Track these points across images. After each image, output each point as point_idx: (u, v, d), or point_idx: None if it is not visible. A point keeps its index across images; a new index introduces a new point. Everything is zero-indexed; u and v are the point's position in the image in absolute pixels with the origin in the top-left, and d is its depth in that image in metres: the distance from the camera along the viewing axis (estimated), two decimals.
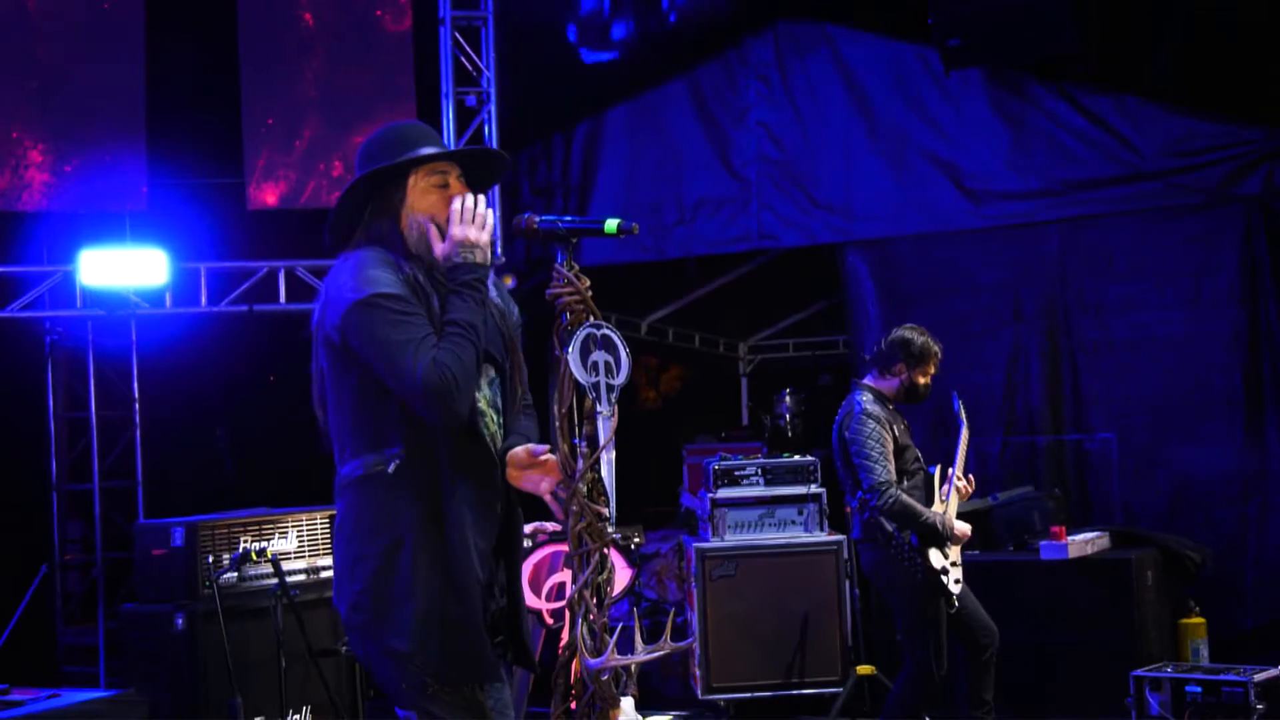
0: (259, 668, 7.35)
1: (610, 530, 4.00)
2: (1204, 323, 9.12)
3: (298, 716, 7.54)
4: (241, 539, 7.66)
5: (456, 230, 4.02)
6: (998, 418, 8.53)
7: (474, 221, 4.04)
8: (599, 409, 3.99)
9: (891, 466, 7.04)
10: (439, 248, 4.05)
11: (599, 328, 4.01)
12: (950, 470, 7.21)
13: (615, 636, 3.92)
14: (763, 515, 8.86)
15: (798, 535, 8.84)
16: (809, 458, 8.99)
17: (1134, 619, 8.06)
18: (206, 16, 10.47)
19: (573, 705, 4.02)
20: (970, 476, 7.30)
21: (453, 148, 10.17)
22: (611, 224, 4.07)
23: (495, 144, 10.20)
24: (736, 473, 8.88)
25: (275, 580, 7.39)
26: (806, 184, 10.17)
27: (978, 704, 7.20)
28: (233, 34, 10.27)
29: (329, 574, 8.06)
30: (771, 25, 10.27)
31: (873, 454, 7.03)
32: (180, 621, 7.25)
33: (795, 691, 8.66)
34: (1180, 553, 8.53)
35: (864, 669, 8.45)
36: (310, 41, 10.36)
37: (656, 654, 4.00)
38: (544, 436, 4.22)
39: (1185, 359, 9.16)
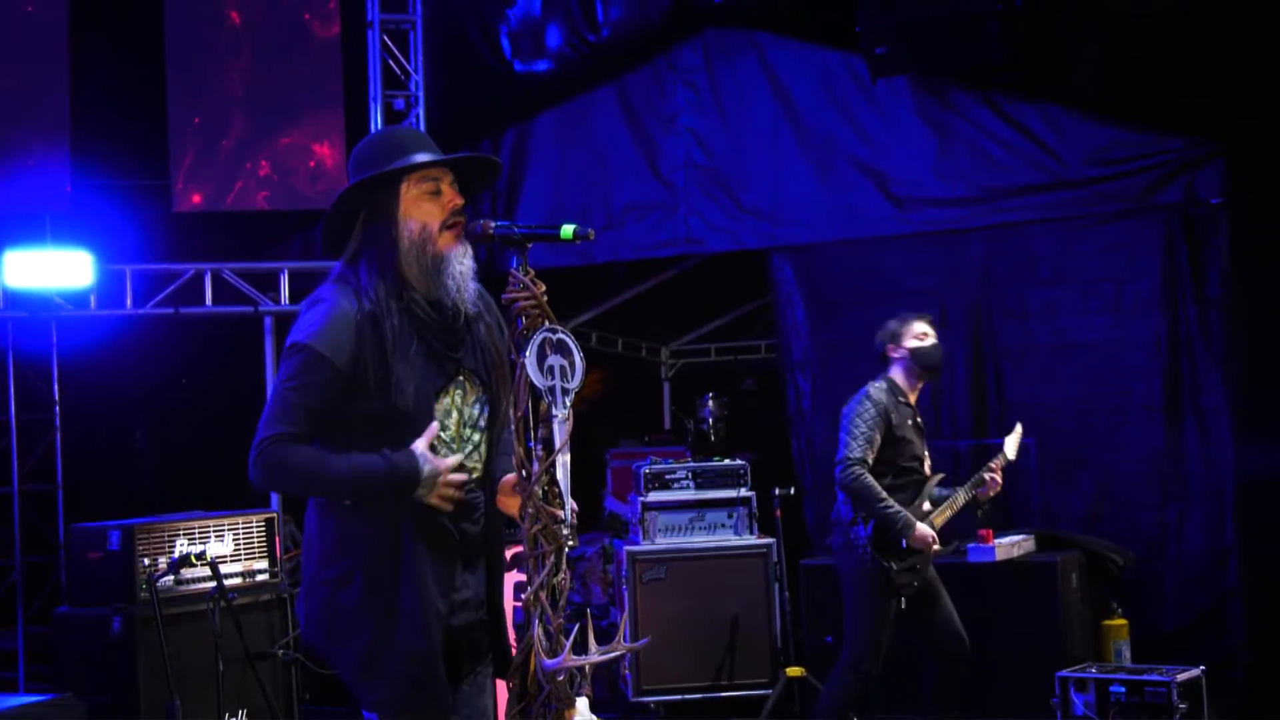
0: (195, 671, 7.32)
1: (566, 533, 4.04)
2: (1125, 329, 9.22)
3: None
4: (178, 542, 7.62)
5: (437, 490, 4.03)
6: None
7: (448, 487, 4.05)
8: (554, 412, 4.03)
9: (870, 449, 7.11)
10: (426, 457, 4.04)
11: (554, 332, 4.05)
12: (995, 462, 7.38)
13: (571, 637, 3.97)
14: (693, 519, 8.92)
15: (727, 538, 8.90)
16: (739, 461, 9.06)
17: (1059, 620, 8.19)
18: (131, 16, 10.40)
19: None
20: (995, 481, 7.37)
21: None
22: (568, 229, 4.11)
23: None
24: (667, 476, 8.93)
25: (211, 584, 7.35)
26: (734, 189, 10.19)
27: (943, 711, 7.28)
28: (158, 34, 10.21)
29: (265, 577, 8.06)
30: (699, 32, 10.29)
31: (855, 430, 7.14)
32: (117, 625, 7.21)
33: (725, 693, 8.72)
34: (1104, 555, 8.66)
35: (793, 671, 8.54)
36: (237, 40, 10.32)
37: (612, 655, 4.05)
38: None
39: (1107, 364, 9.26)
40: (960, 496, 7.32)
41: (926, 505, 7.26)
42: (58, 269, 9.88)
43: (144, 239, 10.54)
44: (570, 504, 4.02)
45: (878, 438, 7.15)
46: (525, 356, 3.98)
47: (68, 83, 10.03)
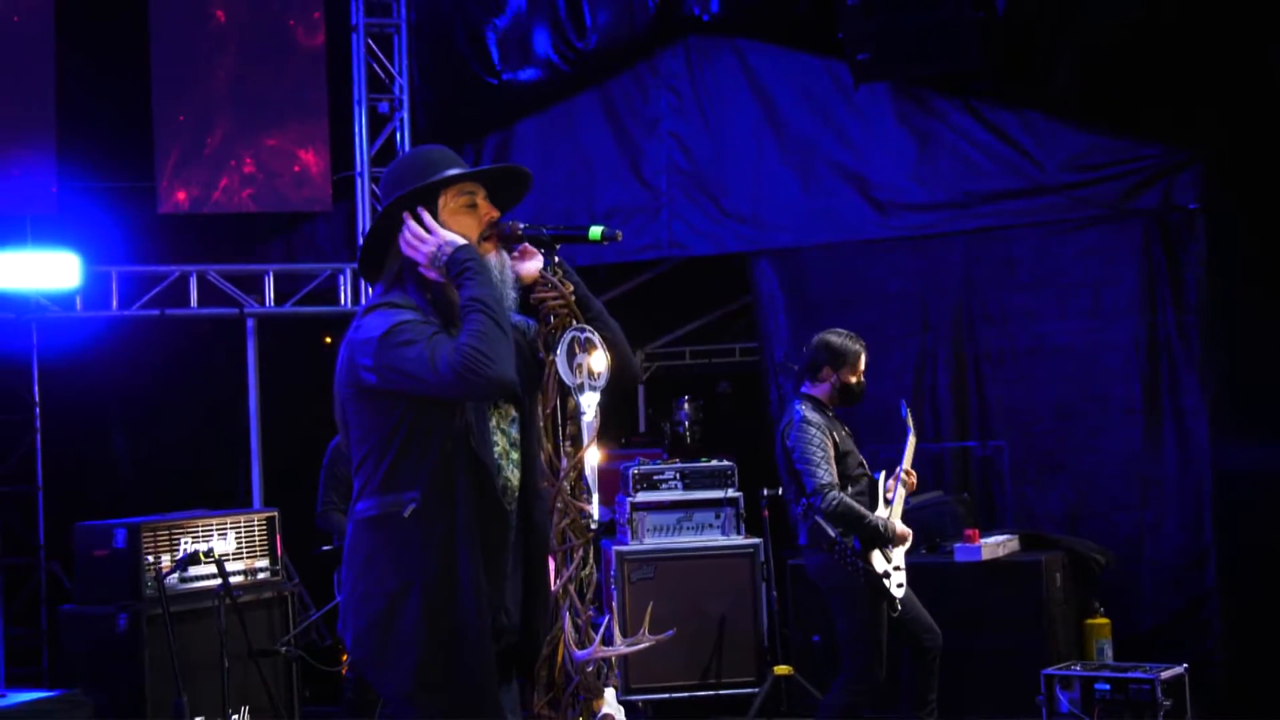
0: (197, 668, 7.38)
1: (593, 527, 4.13)
2: (1103, 333, 9.30)
3: (236, 717, 7.55)
4: (181, 540, 7.67)
5: (429, 244, 4.07)
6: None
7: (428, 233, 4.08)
8: (582, 410, 4.11)
9: (833, 470, 7.15)
10: (423, 252, 4.08)
11: (582, 331, 4.13)
12: (897, 469, 7.41)
13: (602, 630, 4.05)
14: (680, 519, 9.00)
15: (715, 538, 8.99)
16: (727, 462, 9.13)
17: (1043, 619, 8.28)
18: (117, 18, 10.42)
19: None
20: (914, 472, 7.49)
21: (367, 156, 10.34)
22: (595, 231, 4.18)
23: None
24: (655, 477, 9.02)
25: (214, 581, 7.40)
26: (716, 194, 10.27)
27: (921, 704, 7.34)
28: (144, 36, 10.22)
29: (266, 575, 8.10)
30: (682, 38, 10.36)
31: (814, 458, 7.14)
32: (123, 622, 7.26)
33: (713, 692, 8.80)
34: (1086, 555, 8.76)
35: (781, 669, 8.62)
36: (222, 39, 10.36)
37: (638, 646, 4.16)
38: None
39: (1086, 368, 9.35)
40: (905, 481, 7.42)
41: (883, 510, 7.35)
42: (44, 270, 9.90)
43: (129, 240, 10.56)
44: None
45: (832, 455, 7.22)
46: (556, 355, 4.06)
47: (53, 85, 10.04)
